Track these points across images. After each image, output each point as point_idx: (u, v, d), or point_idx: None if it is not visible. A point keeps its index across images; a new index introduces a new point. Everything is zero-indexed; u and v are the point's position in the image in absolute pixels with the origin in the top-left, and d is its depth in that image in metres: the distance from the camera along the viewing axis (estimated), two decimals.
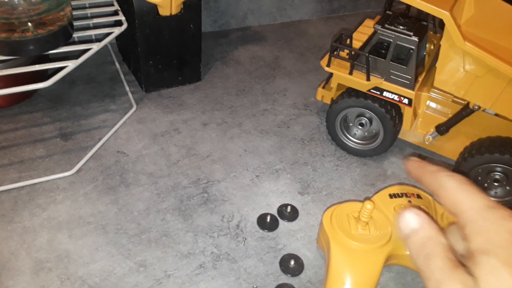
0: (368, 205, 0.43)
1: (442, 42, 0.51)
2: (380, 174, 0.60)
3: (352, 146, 0.62)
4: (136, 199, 0.54)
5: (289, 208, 0.54)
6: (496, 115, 0.56)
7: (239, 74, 0.77)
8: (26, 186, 0.54)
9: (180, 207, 0.53)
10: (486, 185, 0.56)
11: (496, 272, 0.23)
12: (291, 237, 0.51)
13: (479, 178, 0.56)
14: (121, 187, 0.55)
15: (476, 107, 0.54)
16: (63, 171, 0.56)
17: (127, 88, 0.71)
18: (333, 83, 0.60)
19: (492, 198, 0.56)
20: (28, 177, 0.55)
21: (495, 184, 0.55)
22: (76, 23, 0.57)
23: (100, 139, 0.61)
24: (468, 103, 0.55)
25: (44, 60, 0.63)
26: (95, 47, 0.54)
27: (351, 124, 0.61)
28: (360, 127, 0.61)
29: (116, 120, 0.65)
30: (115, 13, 0.63)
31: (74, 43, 0.55)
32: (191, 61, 0.71)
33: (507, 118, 0.54)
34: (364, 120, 0.60)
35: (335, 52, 0.57)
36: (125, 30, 0.60)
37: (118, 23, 0.61)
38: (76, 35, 0.56)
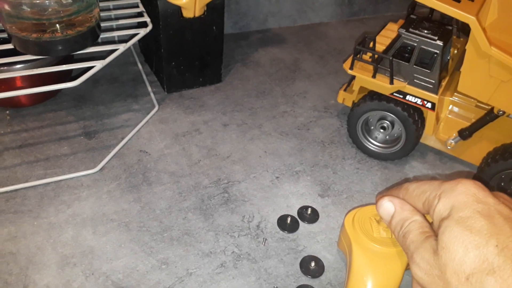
0: None
1: (467, 47, 0.50)
2: (401, 178, 0.60)
3: (373, 149, 0.62)
4: (158, 198, 0.54)
5: (309, 210, 0.54)
6: None
7: (259, 76, 0.78)
8: (51, 182, 0.55)
9: (201, 207, 0.54)
10: (509, 191, 0.55)
11: (449, 231, 0.27)
12: (311, 239, 0.51)
13: (502, 184, 0.55)
14: (143, 185, 0.56)
15: (501, 112, 0.53)
16: (87, 168, 0.57)
17: (149, 89, 0.72)
18: (355, 86, 0.60)
19: None
20: (54, 174, 0.56)
21: None
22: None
23: (123, 138, 0.62)
24: (493, 108, 0.54)
25: (69, 60, 0.64)
26: (122, 47, 0.55)
27: (372, 127, 0.61)
28: (381, 130, 0.60)
29: (138, 119, 0.66)
30: (139, 14, 0.64)
31: (98, 44, 0.56)
32: (213, 62, 0.72)
33: None
34: (386, 123, 0.59)
35: (358, 55, 0.57)
36: (149, 31, 0.61)
37: (143, 25, 0.62)
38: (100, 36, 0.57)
